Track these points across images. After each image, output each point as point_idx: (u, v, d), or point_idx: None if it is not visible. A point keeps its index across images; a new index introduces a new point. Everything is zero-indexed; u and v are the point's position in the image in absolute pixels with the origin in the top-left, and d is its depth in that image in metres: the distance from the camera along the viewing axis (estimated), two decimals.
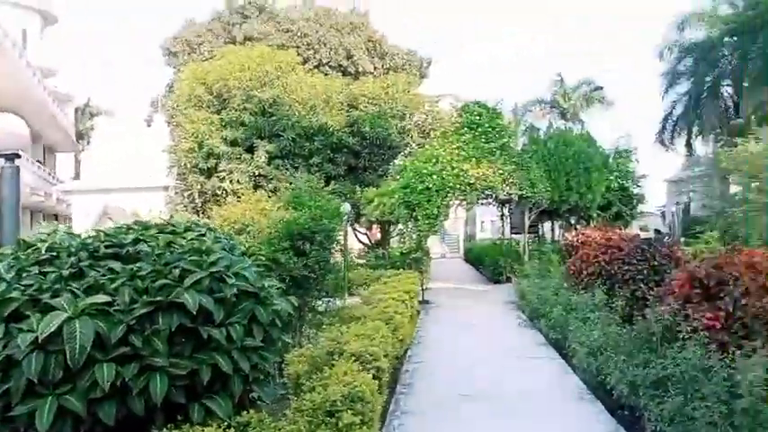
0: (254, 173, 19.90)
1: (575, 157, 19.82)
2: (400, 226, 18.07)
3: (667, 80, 30.66)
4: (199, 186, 20.19)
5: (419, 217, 15.78)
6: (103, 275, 3.61)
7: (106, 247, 3.91)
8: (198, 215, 20.55)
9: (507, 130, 18.97)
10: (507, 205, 21.46)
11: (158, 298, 3.38)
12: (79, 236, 4.06)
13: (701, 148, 32.28)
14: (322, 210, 7.60)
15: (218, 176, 20.18)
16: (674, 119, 31.06)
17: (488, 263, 20.39)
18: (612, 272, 9.48)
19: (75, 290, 3.38)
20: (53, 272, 3.52)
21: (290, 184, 19.55)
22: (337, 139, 21.72)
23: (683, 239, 21.41)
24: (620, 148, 24.35)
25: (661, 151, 32.64)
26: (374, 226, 22.24)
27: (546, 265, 13.80)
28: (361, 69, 28.03)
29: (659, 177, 39.20)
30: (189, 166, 20.39)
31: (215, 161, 20.14)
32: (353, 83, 25.16)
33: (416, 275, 14.02)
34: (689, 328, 5.27)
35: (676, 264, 9.49)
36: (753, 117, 24.40)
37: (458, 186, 16.23)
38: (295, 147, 20.90)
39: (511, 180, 17.23)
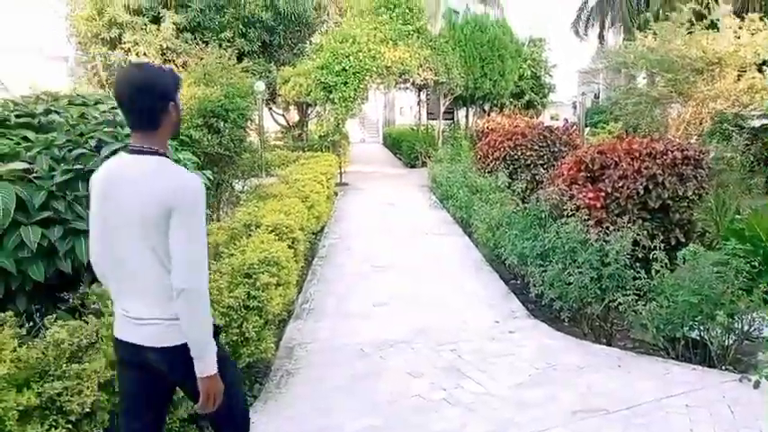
0: (161, 45, 18.85)
1: (489, 43, 20.07)
2: (318, 108, 17.96)
3: None
4: (102, 59, 18.97)
5: (336, 99, 15.75)
6: (17, 144, 3.64)
7: (17, 116, 3.90)
8: (103, 89, 19.50)
9: (424, 13, 18.76)
10: (424, 90, 21.67)
11: (77, 166, 3.47)
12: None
13: (613, 39, 33.25)
14: (234, 88, 7.54)
15: (122, 48, 18.98)
16: (589, 9, 31.61)
17: (405, 148, 20.86)
18: (516, 157, 10.13)
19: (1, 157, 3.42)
20: None
21: (201, 59, 18.79)
22: (250, 13, 20.71)
23: (588, 128, 22.61)
24: (533, 37, 24.73)
25: (575, 41, 33.42)
26: (291, 107, 21.92)
27: (457, 150, 14.36)
28: None
29: (573, 68, 40.30)
30: (90, 35, 19.00)
31: (118, 31, 18.84)
32: None
33: (334, 158, 14.26)
34: (573, 207, 5.91)
35: (574, 150, 10.24)
36: (661, 11, 25.24)
37: (374, 69, 16.18)
38: (204, 19, 19.81)
39: (427, 65, 17.33)
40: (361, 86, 16.09)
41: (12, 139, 3.65)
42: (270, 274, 4.26)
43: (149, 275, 2.24)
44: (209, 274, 4.01)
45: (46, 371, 2.77)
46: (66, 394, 2.71)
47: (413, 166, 19.98)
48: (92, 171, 3.50)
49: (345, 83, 15.82)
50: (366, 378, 4.40)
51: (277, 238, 5.26)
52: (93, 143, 3.63)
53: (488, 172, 10.30)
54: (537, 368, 4.48)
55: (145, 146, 2.26)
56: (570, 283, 5.08)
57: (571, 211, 5.82)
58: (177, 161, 4.07)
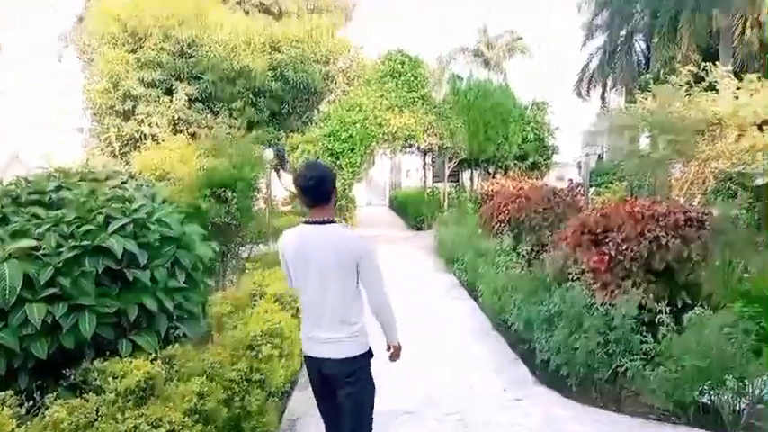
0: (173, 116, 19.39)
1: (493, 109, 20.51)
2: None
3: (585, 32, 31.73)
4: (116, 130, 19.50)
5: (343, 165, 16.03)
6: (28, 221, 3.74)
7: (29, 193, 4.02)
8: (116, 159, 19.96)
9: (429, 80, 19.31)
10: (429, 154, 22.01)
11: (84, 242, 3.55)
12: (0, 182, 4.13)
13: (615, 100, 33.83)
14: (243, 158, 7.73)
15: (135, 119, 19.53)
16: (591, 71, 32.30)
17: (411, 211, 21.02)
18: (521, 219, 10.17)
19: (0, 235, 3.50)
20: None
21: (211, 129, 19.26)
22: (260, 83, 21.37)
23: (593, 189, 22.75)
24: (536, 101, 25.23)
25: (578, 102, 34.03)
26: None
27: (463, 213, 14.46)
28: (284, 8, 27.41)
29: (577, 129, 40.86)
30: (105, 107, 19.59)
31: (132, 103, 19.44)
32: (276, 23, 24.63)
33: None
34: (578, 271, 5.90)
35: (579, 212, 10.29)
36: (661, 72, 25.79)
37: (381, 135, 16.53)
38: (216, 90, 20.43)
39: (432, 130, 17.68)
40: (368, 152, 16.39)
41: (23, 217, 3.75)
42: (273, 345, 4.26)
43: (342, 307, 3.18)
44: (212, 347, 4.05)
45: None
46: None
47: (419, 229, 20.07)
48: (99, 247, 3.61)
49: (352, 149, 16.15)
50: None
51: (281, 307, 5.27)
52: (101, 219, 3.72)
53: (494, 235, 10.34)
54: None
55: (324, 218, 3.15)
56: (577, 349, 5.03)
57: (576, 274, 5.81)
58: (183, 234, 4.17)
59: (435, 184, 23.13)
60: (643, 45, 31.08)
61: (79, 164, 18.64)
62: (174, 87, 19.67)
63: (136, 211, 3.91)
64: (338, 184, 16.18)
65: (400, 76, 18.12)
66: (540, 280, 6.36)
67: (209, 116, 20.09)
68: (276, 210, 16.42)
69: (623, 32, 29.79)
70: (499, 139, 20.11)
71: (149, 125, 19.20)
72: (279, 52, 22.47)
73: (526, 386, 5.48)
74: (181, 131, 19.58)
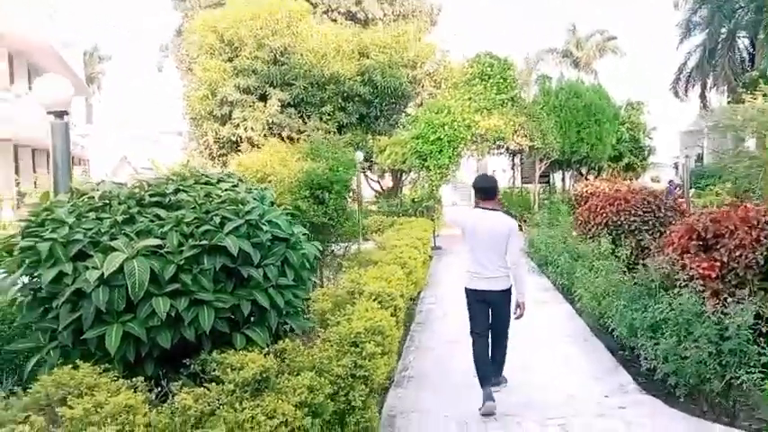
0: (267, 121, 20.12)
1: (585, 108, 19.94)
2: (412, 175, 18.37)
3: (682, 30, 30.27)
4: (213, 133, 20.48)
5: (431, 167, 16.07)
6: (151, 221, 4.00)
7: (150, 195, 4.29)
8: (213, 161, 20.94)
9: (518, 81, 19.02)
10: (518, 155, 21.67)
11: (203, 242, 3.76)
12: (125, 185, 4.43)
13: (716, 99, 32.05)
14: (338, 161, 7.93)
15: (232, 123, 20.43)
16: (689, 70, 30.80)
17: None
18: (619, 222, 9.82)
19: (128, 234, 3.77)
20: (108, 218, 3.91)
21: (307, 135, 19.82)
22: (348, 88, 21.79)
23: (693, 191, 21.62)
24: (631, 101, 24.31)
25: (675, 102, 32.49)
26: (386, 174, 22.52)
27: (555, 214, 14.14)
28: (370, 16, 27.83)
29: (673, 128, 39.03)
30: (203, 113, 20.62)
31: (229, 109, 20.35)
32: (363, 31, 25.05)
33: (429, 223, 14.42)
34: (686, 277, 5.64)
35: (681, 215, 9.82)
36: (767, 70, 24.17)
37: (469, 137, 16.45)
38: (307, 95, 21.02)
39: (522, 131, 17.40)
40: (455, 154, 16.34)
41: (146, 217, 4.02)
42: (375, 343, 4.34)
43: (500, 261, 5.30)
44: (318, 342, 4.18)
45: None
46: None
47: None
48: (216, 246, 3.82)
49: (440, 151, 16.16)
50: None
51: (380, 306, 5.36)
52: (217, 220, 3.93)
53: (590, 238, 10.05)
54: None
55: (491, 207, 5.43)
56: (686, 358, 4.81)
57: (684, 281, 5.56)
58: (292, 234, 4.33)
59: (525, 185, 22.74)
60: (747, 42, 29.30)
61: (180, 165, 19.58)
62: (267, 93, 20.41)
63: (248, 213, 4.09)
64: (425, 186, 16.32)
65: (489, 78, 17.97)
66: (644, 285, 6.12)
67: (300, 121, 20.70)
68: (364, 209, 16.70)
69: (725, 29, 28.21)
70: (592, 139, 19.51)
71: (245, 129, 20.03)
72: (367, 58, 22.84)
73: (629, 394, 5.31)
74: (274, 135, 20.29)
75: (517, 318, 5.38)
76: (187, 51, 22.82)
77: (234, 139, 20.49)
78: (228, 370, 3.38)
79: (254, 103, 20.25)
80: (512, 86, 17.97)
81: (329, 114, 21.24)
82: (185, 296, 3.63)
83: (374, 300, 5.53)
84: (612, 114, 21.42)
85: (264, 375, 3.45)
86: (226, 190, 4.52)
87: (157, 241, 3.70)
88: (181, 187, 4.50)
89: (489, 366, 5.34)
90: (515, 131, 17.21)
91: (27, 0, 22.39)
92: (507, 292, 5.36)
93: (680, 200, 10.66)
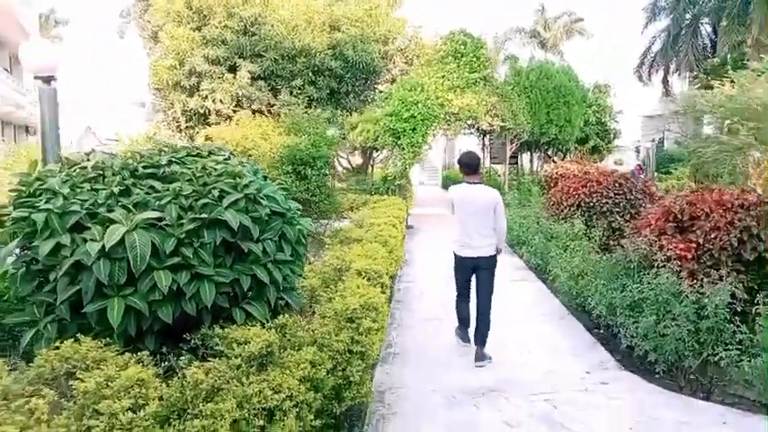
0: (236, 93, 19.75)
1: (555, 90, 20.16)
2: (384, 153, 18.34)
3: (648, 14, 30.67)
4: (181, 105, 20.00)
5: (404, 145, 16.07)
6: (147, 193, 3.93)
7: (144, 167, 4.21)
8: (181, 134, 20.50)
9: (491, 61, 19.08)
10: (488, 136, 21.82)
11: (203, 215, 3.72)
12: (116, 156, 4.33)
13: (678, 84, 32.71)
14: (320, 137, 7.87)
15: (200, 95, 19.98)
16: (653, 54, 31.27)
17: None
18: (591, 204, 10.06)
19: (126, 206, 3.70)
20: (103, 189, 3.83)
21: (280, 108, 19.53)
22: (319, 62, 21.50)
23: (655, 174, 22.17)
24: (599, 83, 24.66)
25: (638, 86, 33.03)
26: (356, 152, 22.43)
27: (526, 195, 14.34)
28: None
29: (635, 112, 39.77)
30: (170, 83, 20.11)
31: (197, 80, 19.88)
32: (335, 3, 24.67)
33: (402, 201, 14.46)
34: (663, 258, 5.84)
35: (651, 198, 10.11)
36: (728, 57, 24.79)
37: (442, 115, 16.48)
38: (277, 68, 20.69)
39: (494, 111, 17.52)
40: (429, 132, 16.37)
41: (141, 189, 3.95)
42: (371, 319, 4.38)
43: (486, 230, 5.90)
44: (315, 318, 4.19)
45: (184, 409, 2.95)
46: None
47: None
48: (216, 220, 3.77)
49: (414, 129, 16.15)
50: (463, 427, 4.42)
51: (369, 283, 5.40)
52: (216, 193, 3.88)
53: (562, 218, 10.26)
54: (638, 421, 4.41)
55: (475, 181, 6.00)
56: (665, 335, 5.01)
57: (661, 261, 5.75)
58: (288, 209, 4.31)
59: (493, 166, 22.94)
60: (709, 29, 29.85)
61: (145, 137, 19.17)
62: (237, 65, 20.01)
63: (246, 186, 4.05)
64: (398, 164, 16.30)
65: (462, 56, 17.96)
66: (622, 266, 6.30)
67: (270, 94, 20.39)
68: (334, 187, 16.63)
69: (689, 15, 28.65)
70: (561, 121, 19.78)
71: (213, 101, 19.62)
72: (338, 31, 22.53)
73: (609, 371, 5.49)
74: (243, 108, 19.96)
75: (496, 254, 6.10)
76: (151, 18, 22.10)
77: (202, 111, 20.08)
78: (234, 345, 3.38)
79: (223, 74, 19.84)
80: (484, 65, 18.01)
81: (299, 88, 20.97)
82: (186, 270, 3.59)
83: (362, 277, 5.57)
84: (581, 96, 21.73)
85: (269, 350, 3.46)
86: (218, 163, 4.47)
87: (157, 214, 3.64)
88: (173, 159, 4.43)
89: (468, 316, 6.25)
90: (487, 111, 17.31)
91: None
92: (492, 258, 5.97)
93: (648, 183, 10.93)
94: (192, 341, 3.65)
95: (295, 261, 4.28)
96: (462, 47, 18.08)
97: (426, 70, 17.81)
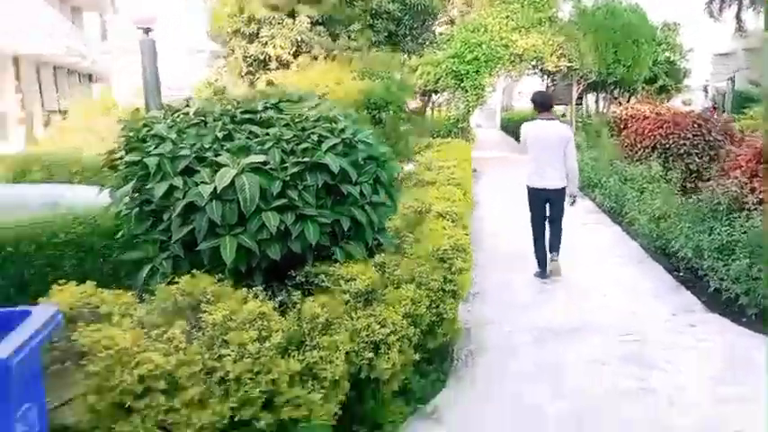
0: (296, 38, 19.68)
1: (623, 29, 19.26)
2: (444, 95, 18.10)
3: None
4: (242, 51, 20.10)
5: (467, 87, 15.80)
6: (248, 138, 4.06)
7: (241, 113, 4.33)
8: (242, 80, 20.69)
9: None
10: (552, 77, 21.21)
11: (305, 159, 3.82)
12: (213, 102, 4.46)
13: (753, 20, 30.74)
14: (393, 80, 7.83)
15: (260, 42, 20.00)
16: None
17: None
18: (667, 146, 9.76)
19: (230, 149, 3.84)
20: (206, 134, 3.97)
21: (331, 51, 19.41)
22: (377, 5, 21.13)
23: (724, 114, 21.14)
24: (668, 21, 23.44)
25: (708, 23, 31.22)
26: (416, 95, 22.20)
27: (593, 137, 13.99)
28: None
29: (705, 51, 37.63)
30: (230, 30, 20.17)
31: (257, 26, 19.84)
32: None
33: (466, 144, 14.35)
34: (755, 200, 5.67)
35: (731, 139, 9.72)
36: None
37: (507, 57, 16.07)
38: (335, 12, 20.45)
39: (560, 51, 16.95)
40: (493, 74, 16.03)
41: (242, 134, 4.07)
42: (462, 259, 4.47)
43: (558, 163, 6.38)
44: (407, 257, 4.29)
45: (302, 341, 3.12)
46: (321, 363, 3.04)
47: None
48: (316, 163, 3.88)
49: (477, 71, 15.85)
50: (551, 364, 4.51)
51: (453, 224, 5.46)
52: (315, 138, 3.97)
53: (636, 161, 10.01)
54: (729, 363, 4.40)
55: (549, 117, 6.55)
56: (758, 279, 4.92)
57: (753, 204, 5.59)
58: (382, 153, 4.38)
59: (557, 107, 22.35)
60: None
61: (205, 83, 19.32)
62: (295, 10, 19.85)
63: (342, 131, 4.12)
64: (461, 107, 16.11)
65: None
66: (708, 208, 6.15)
67: (329, 39, 20.22)
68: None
69: None
70: (629, 61, 18.98)
71: (273, 47, 19.62)
72: None
73: (695, 313, 5.45)
74: (302, 53, 19.91)
75: (571, 204, 6.58)
76: None
77: (262, 57, 20.13)
78: (342, 281, 3.52)
79: (282, 20, 19.74)
80: (550, 5, 17.35)
81: (358, 32, 20.72)
82: (291, 211, 3.73)
83: (444, 218, 5.64)
84: (650, 35, 20.72)
85: (373, 287, 3.60)
86: (310, 108, 4.54)
87: (262, 157, 3.76)
88: (268, 105, 4.53)
89: (545, 251, 6.63)
90: (553, 52, 16.75)
91: None
92: (563, 189, 6.45)
93: (729, 123, 10.49)
94: (297, 278, 3.82)
95: (388, 203, 4.37)
96: None
97: (489, 11, 17.29)
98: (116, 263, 5.19)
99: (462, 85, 15.89)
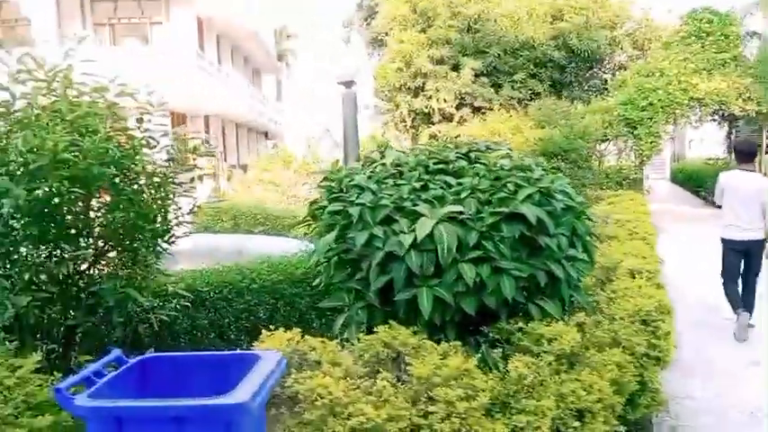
0: (459, 91, 20.05)
1: None
2: (610, 144, 17.27)
3: None
4: (407, 105, 20.84)
5: (641, 135, 14.96)
6: (441, 188, 4.06)
7: (434, 163, 4.36)
8: (406, 133, 21.40)
9: (741, 38, 16.98)
10: (734, 122, 19.51)
11: (502, 209, 3.73)
12: (407, 153, 4.56)
13: None
14: (573, 129, 7.59)
15: (424, 95, 20.63)
16: None
17: (712, 185, 18.79)
18: None
19: (428, 200, 3.85)
20: (404, 184, 4.03)
21: (491, 102, 19.46)
22: (541, 53, 21.01)
23: None
24: None
25: None
26: None
27: None
28: None
29: None
30: (396, 85, 21.04)
31: (422, 80, 20.55)
32: None
33: (641, 197, 13.48)
34: None
35: None
36: None
37: (686, 102, 15.03)
38: (499, 63, 20.61)
39: (747, 94, 15.54)
40: (670, 121, 15.06)
41: (436, 184, 4.09)
42: (666, 322, 4.08)
43: (756, 215, 6.25)
44: (604, 318, 3.99)
45: (505, 403, 2.97)
46: (528, 428, 2.86)
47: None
48: (512, 213, 3.77)
49: (652, 117, 14.97)
50: None
51: (650, 283, 5.05)
52: (511, 187, 3.88)
53: None
54: None
55: (750, 169, 6.49)
56: None
57: None
58: (580, 203, 4.19)
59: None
60: None
61: (369, 137, 20.24)
62: (460, 63, 20.30)
63: (537, 180, 3.99)
64: (632, 157, 15.25)
65: (708, 35, 16.21)
66: None
67: (492, 90, 20.36)
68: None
69: None
70: None
71: (437, 100, 20.14)
72: (561, 20, 21.80)
73: None
74: (465, 105, 20.23)
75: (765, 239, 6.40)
76: (379, 24, 23.32)
77: (426, 110, 20.72)
78: (544, 341, 3.34)
79: (446, 73, 20.27)
80: (735, 44, 16.07)
81: (521, 82, 20.67)
82: (487, 263, 3.63)
83: (638, 276, 5.24)
84: None
85: (575, 349, 3.37)
86: (502, 157, 4.48)
87: (459, 208, 3.73)
88: (459, 155, 4.54)
89: (739, 296, 6.43)
90: (739, 95, 15.39)
91: None
92: (761, 242, 6.32)
93: None
94: (490, 334, 3.69)
95: (585, 258, 4.13)
96: (707, 25, 16.32)
97: (665, 53, 16.38)
98: (303, 310, 5.42)
99: (636, 132, 15.05)
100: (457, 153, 4.56)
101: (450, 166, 4.35)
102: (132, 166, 3.66)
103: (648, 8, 24.71)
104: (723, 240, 6.62)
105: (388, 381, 2.86)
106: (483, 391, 2.83)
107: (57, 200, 3.31)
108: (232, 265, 5.51)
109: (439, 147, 4.65)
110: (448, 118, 20.28)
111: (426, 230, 3.54)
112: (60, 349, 3.51)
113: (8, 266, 3.26)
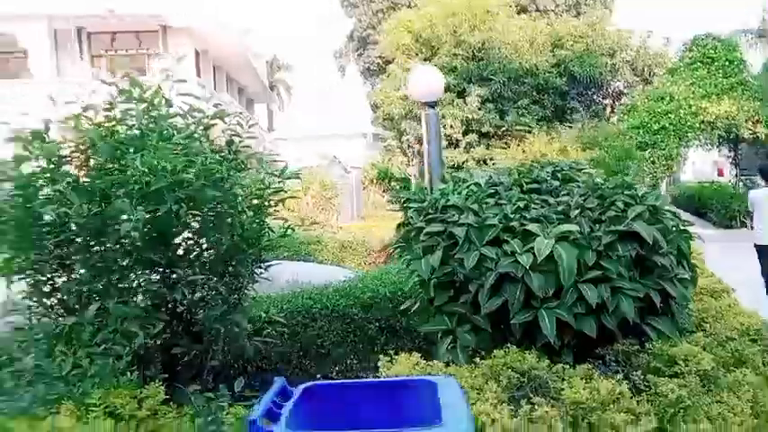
0: (466, 117, 20.15)
1: None
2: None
3: None
4: (413, 132, 20.88)
5: (654, 159, 15.07)
6: (541, 207, 3.97)
7: (526, 183, 4.28)
8: (411, 159, 21.41)
9: (746, 63, 17.31)
10: (737, 144, 19.76)
11: (617, 228, 3.64)
12: (498, 173, 4.48)
13: None
14: (617, 150, 7.59)
15: None
16: None
17: (717, 206, 18.85)
18: None
19: (535, 219, 3.75)
20: (506, 204, 3.93)
21: (500, 128, 19.55)
22: (544, 80, 21.25)
23: None
24: None
25: None
26: None
27: None
28: (542, 8, 27.00)
29: None
30: (403, 113, 21.09)
31: None
32: (556, 21, 24.38)
33: None
34: None
35: None
36: None
37: (696, 125, 15.21)
38: (504, 90, 20.80)
39: (757, 117, 15.76)
40: (682, 144, 15.21)
41: (537, 204, 3.99)
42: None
43: None
44: (713, 337, 3.88)
45: (660, 428, 2.84)
46: None
47: (728, 227, 17.82)
48: (627, 232, 3.68)
49: (663, 140, 15.11)
50: None
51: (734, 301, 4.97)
52: (620, 206, 3.80)
53: None
54: None
55: None
56: None
57: None
58: (684, 222, 4.11)
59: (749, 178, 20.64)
60: None
61: (370, 164, 20.09)
62: (465, 90, 20.44)
63: (643, 198, 3.92)
64: (646, 179, 15.33)
65: (713, 61, 16.50)
66: None
67: (497, 116, 20.50)
68: None
69: None
70: None
71: (444, 126, 20.18)
72: (561, 48, 22.12)
73: None
74: (472, 132, 20.32)
75: None
76: (381, 52, 23.49)
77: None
78: (681, 361, 3.22)
79: (453, 100, 20.37)
80: (740, 69, 16.35)
81: (525, 108, 20.84)
82: (606, 283, 3.53)
83: (712, 295, 5.16)
84: None
85: (712, 370, 3.25)
86: (589, 174, 4.42)
87: (573, 227, 3.63)
88: (548, 173, 4.47)
89: None
90: (749, 117, 15.61)
91: (227, 23, 24.50)
92: None
93: None
94: (607, 357, 3.57)
95: (689, 277, 4.04)
96: (712, 51, 16.61)
97: (671, 79, 16.63)
98: (373, 335, 5.26)
99: (648, 156, 15.16)
100: (548, 173, 4.49)
101: (544, 185, 4.27)
102: (234, 187, 3.53)
103: (647, 36, 25.22)
104: (756, 246, 7.49)
105: (543, 405, 2.73)
106: (646, 414, 2.70)
107: (173, 222, 3.16)
108: (299, 291, 5.37)
109: (526, 167, 4.58)
110: (454, 144, 20.34)
111: (547, 251, 3.43)
112: (161, 377, 3.32)
113: (123, 292, 3.10)
